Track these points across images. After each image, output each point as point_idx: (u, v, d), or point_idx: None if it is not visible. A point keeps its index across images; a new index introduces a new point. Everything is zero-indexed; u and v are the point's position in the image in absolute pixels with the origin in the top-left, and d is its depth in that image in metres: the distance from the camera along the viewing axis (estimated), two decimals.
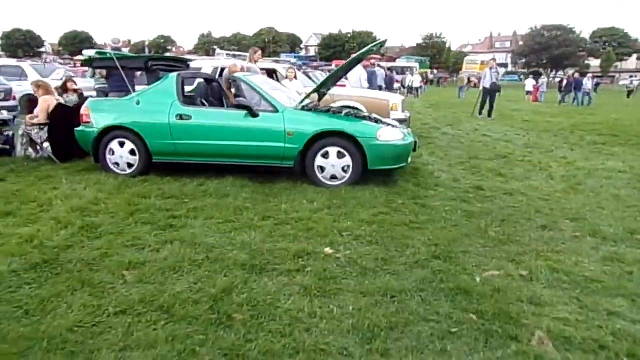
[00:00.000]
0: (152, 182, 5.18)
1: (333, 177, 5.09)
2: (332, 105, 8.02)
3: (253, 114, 5.08)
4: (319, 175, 5.09)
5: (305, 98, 5.18)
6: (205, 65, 8.96)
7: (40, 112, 6.18)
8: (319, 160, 5.06)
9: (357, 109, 7.41)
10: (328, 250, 3.22)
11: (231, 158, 5.23)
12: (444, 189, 5.16)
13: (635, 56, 63.17)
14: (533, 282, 2.86)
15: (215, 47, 61.25)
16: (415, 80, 23.72)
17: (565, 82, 22.97)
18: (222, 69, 8.65)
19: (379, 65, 14.77)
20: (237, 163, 5.23)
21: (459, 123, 12.21)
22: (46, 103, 6.19)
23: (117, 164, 5.45)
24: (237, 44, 67.83)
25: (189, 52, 71.71)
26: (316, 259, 3.09)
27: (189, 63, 6.60)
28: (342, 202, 4.50)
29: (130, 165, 5.43)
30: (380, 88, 13.80)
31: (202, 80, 6.30)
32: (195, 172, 5.40)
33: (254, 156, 5.17)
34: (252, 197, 4.58)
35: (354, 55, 5.46)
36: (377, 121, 5.70)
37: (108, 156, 5.46)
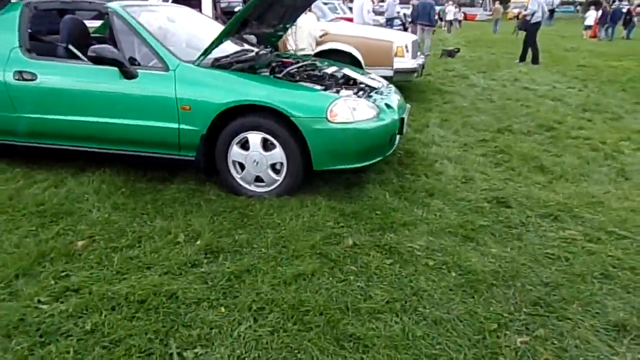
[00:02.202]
0: None
1: (259, 180, 3.11)
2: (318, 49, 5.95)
3: (126, 72, 3.06)
4: (236, 176, 3.12)
5: (212, 47, 3.09)
6: None
7: None
8: (235, 153, 3.06)
9: (328, 59, 5.30)
10: None
11: (102, 143, 3.29)
12: (443, 202, 3.10)
13: None
14: None
15: None
16: (448, 11, 20.04)
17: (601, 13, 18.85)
18: None
19: None
20: (115, 151, 3.30)
21: (495, 69, 9.63)
22: None
23: None
24: None
25: None
26: None
27: None
28: (247, 237, 2.56)
29: None
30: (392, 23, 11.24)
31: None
32: (72, 159, 3.53)
33: (135, 142, 3.21)
34: (101, 224, 2.70)
35: None
36: (347, 82, 3.59)
37: None
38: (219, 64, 3.19)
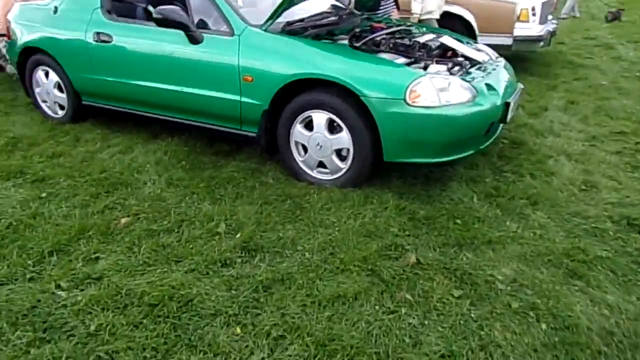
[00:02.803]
0: (67, 137, 3.46)
1: (321, 166, 2.72)
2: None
3: (191, 37, 2.82)
4: (298, 159, 2.77)
5: (281, 9, 2.66)
6: None
7: (1, 18, 4.77)
8: (298, 133, 2.70)
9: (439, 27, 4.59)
10: None
11: (169, 111, 3.14)
12: (548, 215, 2.41)
13: None
14: None
15: None
16: None
17: None
18: None
19: None
20: (182, 121, 3.14)
21: None
22: (6, 7, 4.71)
23: (45, 101, 3.84)
24: None
25: None
26: None
27: None
28: (293, 236, 2.21)
29: (61, 107, 3.76)
30: None
31: None
32: (149, 124, 3.47)
33: (199, 113, 3.01)
34: (151, 200, 2.55)
35: None
36: (443, 53, 2.98)
37: (36, 89, 3.85)
38: (290, 29, 2.79)
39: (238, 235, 2.21)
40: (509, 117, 2.69)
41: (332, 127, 2.59)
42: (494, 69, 2.88)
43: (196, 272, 1.95)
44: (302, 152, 2.74)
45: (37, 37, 3.54)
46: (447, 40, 3.12)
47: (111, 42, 3.16)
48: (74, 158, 3.11)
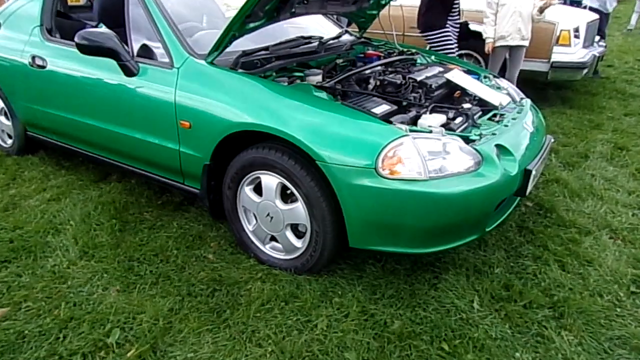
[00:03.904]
0: (4, 174, 2.97)
1: (274, 240, 2.08)
2: None
3: (124, 67, 2.24)
4: (247, 229, 2.13)
5: (227, 36, 2.03)
6: None
7: None
8: (246, 196, 2.06)
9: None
10: None
11: (108, 153, 2.58)
12: (578, 338, 1.67)
13: None
14: None
15: None
16: None
17: None
18: None
19: None
20: (126, 166, 2.57)
21: None
22: None
23: None
24: None
25: None
26: None
27: None
28: (208, 355, 1.58)
29: (10, 136, 3.29)
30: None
31: None
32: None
33: (137, 158, 2.43)
34: (48, 280, 1.98)
35: None
36: (449, 94, 2.31)
37: None
38: (247, 61, 2.17)
39: (131, 352, 1.59)
40: (528, 189, 1.96)
41: (287, 194, 1.96)
42: (513, 119, 2.16)
43: None
44: (253, 220, 2.11)
45: None
46: (456, 76, 2.42)
47: (46, 67, 2.65)
48: None
